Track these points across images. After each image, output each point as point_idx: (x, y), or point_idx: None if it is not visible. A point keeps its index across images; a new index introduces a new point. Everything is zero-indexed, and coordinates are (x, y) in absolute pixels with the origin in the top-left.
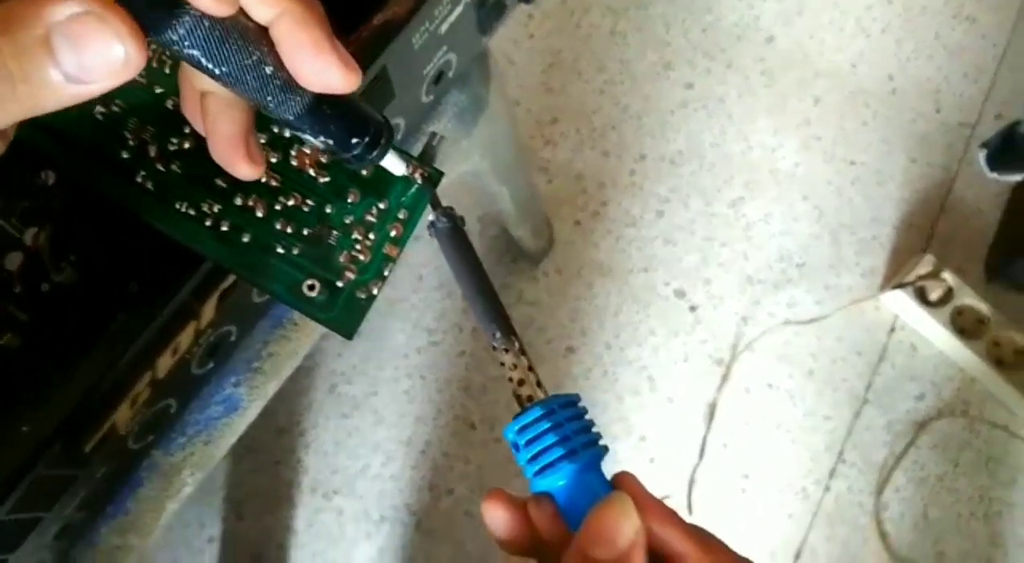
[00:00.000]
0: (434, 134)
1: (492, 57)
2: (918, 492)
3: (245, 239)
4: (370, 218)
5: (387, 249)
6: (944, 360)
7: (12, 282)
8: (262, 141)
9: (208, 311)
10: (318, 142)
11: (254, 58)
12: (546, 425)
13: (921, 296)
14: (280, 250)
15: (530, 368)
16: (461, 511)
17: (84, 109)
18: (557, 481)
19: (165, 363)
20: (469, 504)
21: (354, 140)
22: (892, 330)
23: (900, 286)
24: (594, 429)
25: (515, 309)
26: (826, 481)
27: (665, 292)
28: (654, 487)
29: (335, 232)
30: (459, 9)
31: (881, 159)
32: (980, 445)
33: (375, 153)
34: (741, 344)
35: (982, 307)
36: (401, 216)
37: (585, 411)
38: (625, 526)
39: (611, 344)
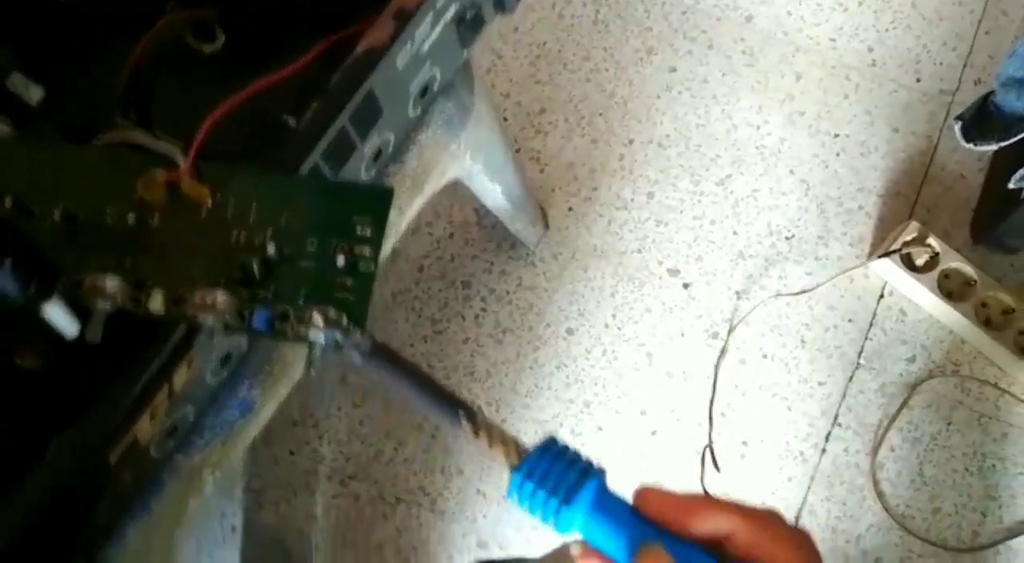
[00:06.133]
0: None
1: (475, 64)
2: (913, 451)
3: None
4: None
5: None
6: (933, 323)
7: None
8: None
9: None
10: None
11: None
12: (530, 486)
13: (908, 262)
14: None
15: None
16: (473, 490)
17: None
18: (578, 522)
19: (181, 376)
20: (479, 483)
21: None
22: (881, 297)
23: (888, 254)
24: (583, 459)
25: (515, 295)
26: (823, 444)
27: (659, 271)
28: (656, 459)
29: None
30: (440, 28)
31: (864, 130)
32: (971, 403)
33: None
34: (735, 318)
35: (968, 270)
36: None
37: (565, 448)
38: None
39: (609, 324)
